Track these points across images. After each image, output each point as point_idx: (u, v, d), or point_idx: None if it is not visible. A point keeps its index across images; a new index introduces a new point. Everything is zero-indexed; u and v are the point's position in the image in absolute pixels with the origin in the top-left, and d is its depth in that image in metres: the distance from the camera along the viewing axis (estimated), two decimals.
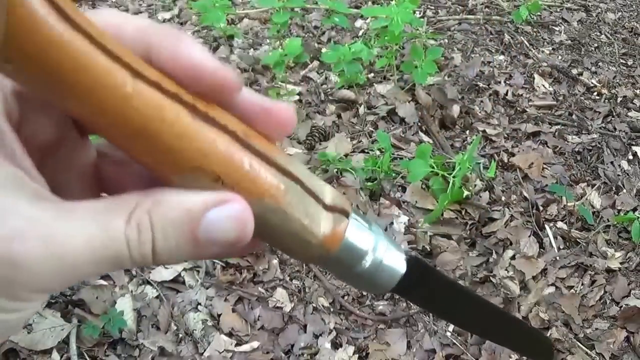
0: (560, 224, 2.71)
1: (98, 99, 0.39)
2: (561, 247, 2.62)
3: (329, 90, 3.41)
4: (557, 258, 2.56)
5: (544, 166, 2.99)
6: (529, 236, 2.63)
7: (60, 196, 0.43)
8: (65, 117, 0.46)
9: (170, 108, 0.41)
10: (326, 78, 3.51)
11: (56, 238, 0.39)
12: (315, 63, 3.61)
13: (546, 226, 2.67)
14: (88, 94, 0.38)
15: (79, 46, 0.37)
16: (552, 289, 2.46)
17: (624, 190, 2.89)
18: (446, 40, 3.85)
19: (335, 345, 2.31)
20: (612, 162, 3.06)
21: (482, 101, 3.37)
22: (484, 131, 3.15)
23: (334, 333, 2.33)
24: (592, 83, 3.60)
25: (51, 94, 0.39)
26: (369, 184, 2.75)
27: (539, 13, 4.14)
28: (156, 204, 0.42)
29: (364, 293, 2.46)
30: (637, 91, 3.60)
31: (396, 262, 0.54)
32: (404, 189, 2.78)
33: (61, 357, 2.10)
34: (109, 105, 0.39)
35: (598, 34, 4.17)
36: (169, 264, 0.35)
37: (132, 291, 2.38)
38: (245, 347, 2.28)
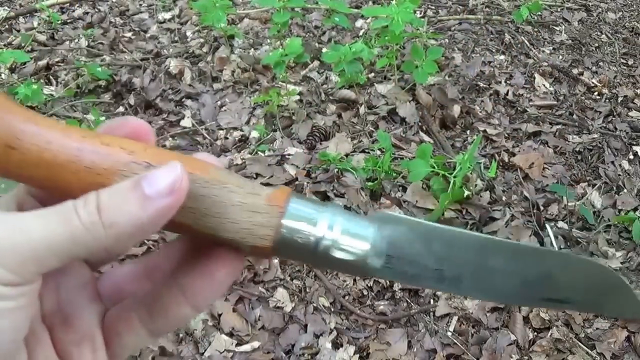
0: (561, 224, 2.71)
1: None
2: (562, 246, 2.62)
3: (329, 90, 3.41)
4: None
5: (545, 166, 2.99)
6: (530, 236, 2.63)
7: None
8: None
9: (96, 134, 0.52)
10: (327, 78, 3.51)
11: (7, 216, 0.47)
12: (316, 63, 3.61)
13: (547, 226, 2.67)
14: (37, 146, 0.49)
15: (25, 114, 0.50)
16: None
17: (625, 190, 2.89)
18: (447, 40, 3.85)
19: (336, 345, 2.31)
20: (612, 162, 3.06)
21: (482, 101, 3.37)
22: (484, 131, 3.15)
23: (334, 333, 2.33)
24: (592, 83, 3.60)
25: (4, 159, 0.49)
26: (370, 183, 2.75)
27: (539, 13, 4.15)
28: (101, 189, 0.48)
29: (365, 293, 2.46)
30: (638, 91, 3.60)
31: (360, 230, 0.55)
32: (404, 189, 2.78)
33: None
34: (53, 147, 0.50)
35: (599, 33, 4.17)
36: (122, 224, 0.36)
37: None
38: (245, 347, 2.28)
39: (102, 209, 0.47)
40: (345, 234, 0.54)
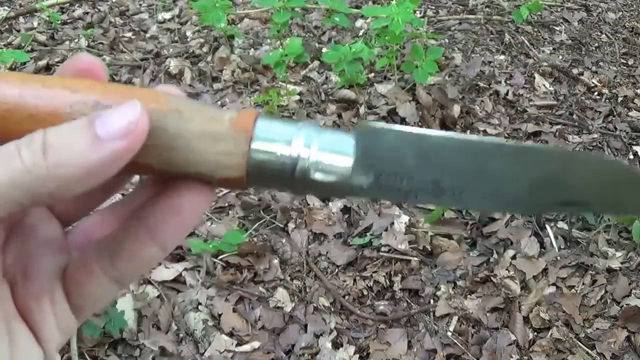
0: (561, 224, 2.71)
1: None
2: (562, 247, 2.62)
3: (329, 90, 3.41)
4: (558, 258, 2.56)
5: None
6: (530, 236, 2.63)
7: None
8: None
9: (37, 76, 0.48)
10: (327, 78, 3.51)
11: None
12: (316, 63, 3.61)
13: (547, 226, 2.67)
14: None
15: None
16: (552, 289, 2.46)
17: None
18: (447, 40, 3.85)
19: (336, 345, 2.31)
20: None
21: (482, 101, 3.37)
22: (484, 131, 3.15)
23: (334, 333, 2.33)
24: (592, 83, 3.60)
25: None
26: None
27: (539, 13, 4.15)
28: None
29: (365, 293, 2.46)
30: (638, 91, 3.59)
31: (340, 145, 0.49)
32: None
33: (62, 357, 2.10)
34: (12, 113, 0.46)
35: (599, 33, 4.17)
36: (70, 166, 0.34)
37: (132, 291, 2.38)
38: (246, 347, 2.28)
39: (48, 149, 0.43)
40: (323, 151, 0.48)
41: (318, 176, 0.48)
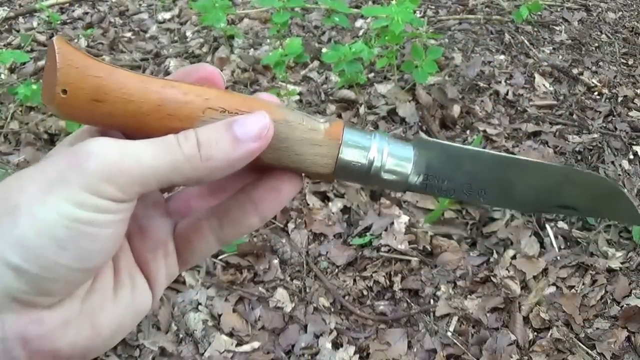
0: (561, 224, 2.71)
1: (125, 92, 0.58)
2: (562, 246, 2.62)
3: (329, 90, 3.41)
4: (558, 258, 2.56)
5: None
6: (530, 236, 2.63)
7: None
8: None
9: (173, 81, 0.61)
10: (326, 78, 3.51)
11: (122, 142, 0.55)
12: (316, 63, 3.61)
13: (547, 226, 2.67)
14: (118, 92, 0.57)
15: (105, 68, 0.58)
16: (553, 289, 2.46)
17: (625, 190, 2.89)
18: (446, 40, 3.85)
19: (336, 345, 2.31)
20: (612, 162, 3.05)
21: (482, 101, 3.37)
22: (484, 131, 3.15)
23: (334, 333, 2.34)
24: (592, 83, 3.60)
25: (97, 107, 0.57)
26: None
27: (539, 13, 4.14)
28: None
29: (365, 293, 2.46)
30: (638, 91, 3.59)
31: (403, 152, 0.67)
32: None
33: None
34: (133, 93, 0.58)
35: (599, 33, 4.16)
36: (216, 159, 0.47)
37: None
38: (245, 347, 2.29)
39: (201, 145, 0.57)
40: (391, 157, 0.66)
41: (386, 176, 0.67)
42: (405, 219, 2.68)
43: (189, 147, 0.56)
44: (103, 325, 0.59)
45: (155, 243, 0.66)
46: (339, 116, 3.22)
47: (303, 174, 0.67)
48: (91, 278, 0.58)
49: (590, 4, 4.44)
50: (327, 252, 2.59)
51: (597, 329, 2.33)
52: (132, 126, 0.59)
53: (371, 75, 3.49)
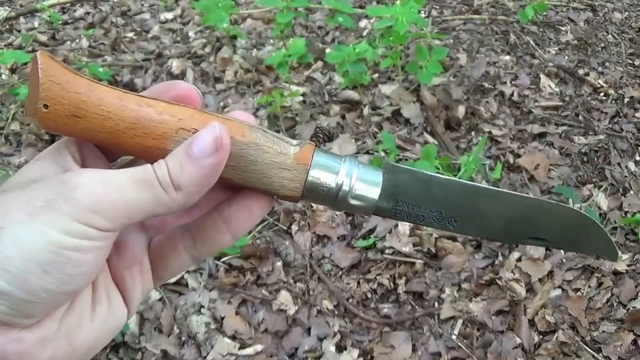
0: None
1: (102, 108, 0.61)
2: None
3: (333, 90, 3.41)
4: (564, 260, 2.57)
5: (550, 167, 2.99)
6: None
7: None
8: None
9: (150, 100, 0.63)
10: (330, 78, 3.51)
11: (106, 173, 0.58)
12: (319, 63, 3.61)
13: None
14: (96, 107, 0.60)
15: (85, 83, 0.60)
16: (558, 292, 2.46)
17: (631, 192, 2.89)
18: (451, 41, 3.85)
19: (340, 348, 2.32)
20: (619, 163, 3.05)
21: (487, 102, 3.37)
22: (489, 132, 3.15)
23: (338, 336, 2.34)
24: (598, 83, 3.60)
25: (77, 122, 0.60)
26: None
27: (545, 13, 4.14)
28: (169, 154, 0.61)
29: (369, 296, 2.46)
30: None
31: (372, 178, 0.69)
32: None
33: None
34: (110, 109, 0.61)
35: (605, 33, 4.16)
36: (186, 185, 0.53)
37: None
38: (248, 351, 2.29)
39: (171, 174, 0.59)
40: (360, 181, 0.68)
41: (353, 201, 0.69)
42: None
43: (163, 177, 0.59)
44: (80, 341, 0.62)
45: (131, 259, 0.68)
46: (343, 117, 3.22)
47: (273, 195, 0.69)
48: (71, 299, 0.61)
49: (596, 4, 4.43)
50: (330, 255, 2.59)
51: (603, 332, 2.33)
52: (109, 142, 0.62)
53: (375, 75, 3.49)
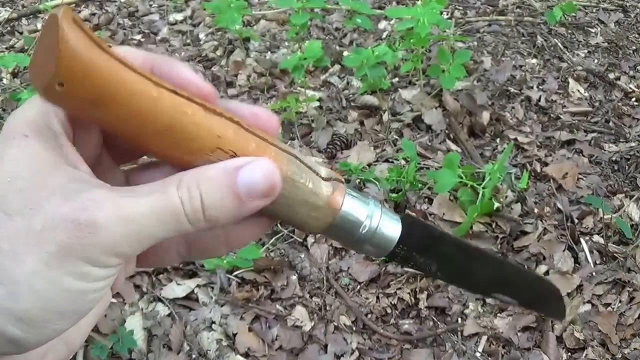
0: (596, 238, 2.70)
1: (132, 105, 0.53)
2: (597, 262, 2.61)
3: (350, 95, 3.42)
4: (594, 274, 2.56)
5: (579, 176, 2.99)
6: (564, 250, 2.62)
7: None
8: (101, 145, 0.64)
9: (188, 105, 0.56)
10: (348, 83, 3.52)
11: (125, 205, 0.54)
12: (337, 67, 3.62)
13: (581, 240, 2.67)
14: (125, 102, 0.53)
15: (114, 68, 0.52)
16: (588, 307, 2.46)
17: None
18: (475, 43, 3.85)
19: None
20: None
21: (513, 107, 3.37)
22: (515, 139, 3.15)
23: (356, 353, 2.34)
24: (630, 88, 3.59)
25: (96, 110, 0.53)
26: (394, 195, 2.76)
27: (573, 14, 4.13)
28: (198, 172, 0.57)
29: (389, 311, 2.46)
30: None
31: (392, 228, 0.70)
32: (430, 201, 2.79)
33: None
34: (141, 108, 0.54)
35: (637, 35, 4.15)
36: (220, 221, 0.58)
37: (142, 309, 2.40)
38: None
39: (206, 208, 0.57)
40: (380, 232, 0.69)
41: (368, 247, 0.70)
42: None
43: (193, 203, 0.56)
44: (76, 341, 0.64)
45: None
46: (362, 124, 3.23)
47: None
48: None
49: (627, 4, 4.42)
50: (348, 268, 2.60)
51: (635, 349, 2.33)
52: (128, 138, 0.57)
53: (395, 80, 3.49)
